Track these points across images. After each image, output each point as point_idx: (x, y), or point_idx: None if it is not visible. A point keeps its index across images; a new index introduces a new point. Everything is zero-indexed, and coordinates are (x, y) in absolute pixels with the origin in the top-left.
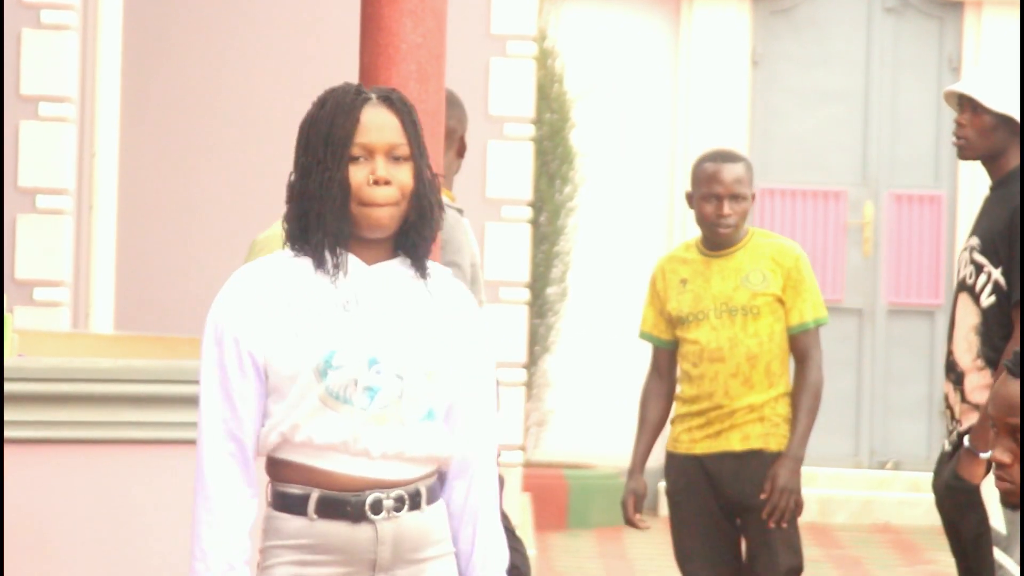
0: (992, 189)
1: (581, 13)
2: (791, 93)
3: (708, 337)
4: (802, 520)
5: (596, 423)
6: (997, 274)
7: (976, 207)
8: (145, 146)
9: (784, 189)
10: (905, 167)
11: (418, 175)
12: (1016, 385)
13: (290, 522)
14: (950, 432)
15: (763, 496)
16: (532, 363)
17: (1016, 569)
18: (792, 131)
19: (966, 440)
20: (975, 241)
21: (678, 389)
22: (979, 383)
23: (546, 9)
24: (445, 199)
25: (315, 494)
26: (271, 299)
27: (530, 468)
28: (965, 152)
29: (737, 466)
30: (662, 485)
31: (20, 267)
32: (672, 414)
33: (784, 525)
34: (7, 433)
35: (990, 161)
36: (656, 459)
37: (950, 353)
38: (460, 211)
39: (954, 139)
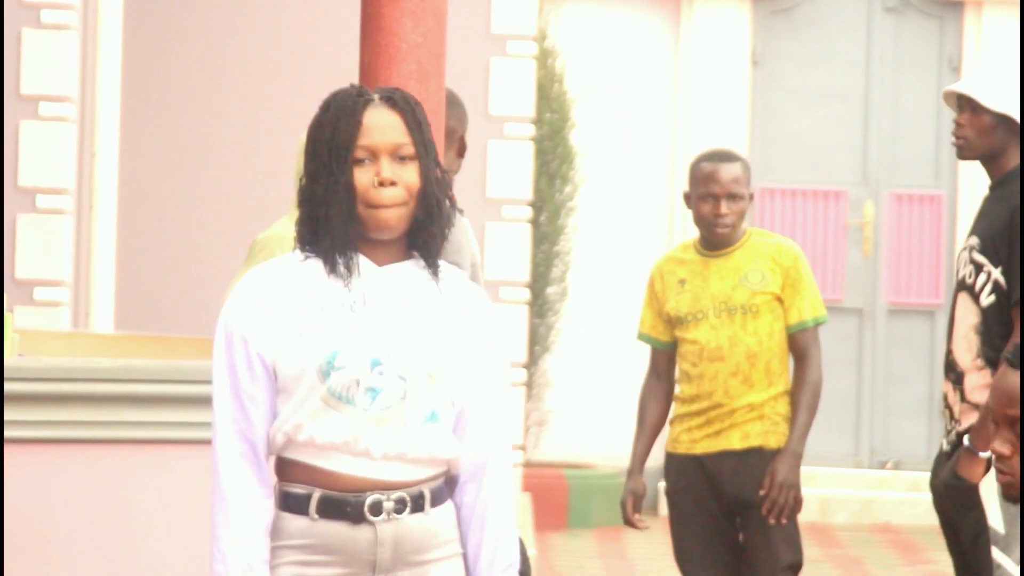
0: (991, 189)
1: (581, 13)
2: (791, 93)
3: (707, 336)
4: (802, 520)
5: (596, 423)
6: (997, 273)
7: (976, 207)
8: (145, 146)
9: (784, 189)
10: (905, 167)
11: (424, 173)
12: (1016, 377)
13: (293, 522)
14: (948, 432)
15: (762, 492)
16: (532, 363)
17: (1014, 568)
18: (792, 131)
19: (966, 439)
20: (974, 241)
21: (677, 389)
22: (979, 383)
23: (546, 9)
24: None
25: (317, 494)
26: (279, 300)
27: (530, 468)
28: (964, 152)
29: (737, 464)
30: (662, 485)
31: (20, 267)
32: (671, 414)
33: (783, 521)
34: (7, 433)
35: (989, 161)
36: (656, 459)
37: (949, 352)
38: (461, 211)
39: (953, 139)
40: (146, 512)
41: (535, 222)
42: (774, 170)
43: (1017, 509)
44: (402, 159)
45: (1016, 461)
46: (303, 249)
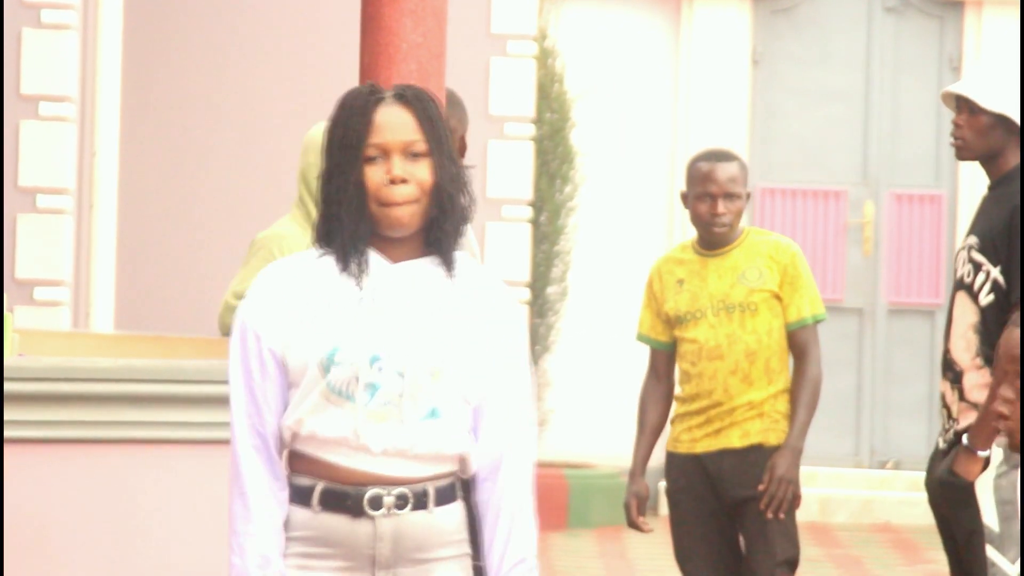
0: (990, 188)
1: (581, 12)
2: (791, 92)
3: (706, 335)
4: (802, 519)
5: (596, 423)
6: (996, 273)
7: (976, 207)
8: (145, 145)
9: (784, 189)
10: (905, 167)
11: (437, 169)
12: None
13: (297, 513)
14: (946, 430)
15: (761, 487)
16: (532, 363)
17: (1009, 567)
18: (792, 131)
19: (965, 438)
20: (973, 240)
21: (677, 389)
22: (978, 382)
23: (546, 8)
24: None
25: (319, 486)
26: (292, 296)
27: None
28: (963, 153)
29: (737, 462)
30: (662, 485)
31: (20, 267)
32: (672, 414)
33: (781, 516)
34: (7, 433)
35: (988, 161)
36: (656, 459)
37: (947, 351)
38: None
39: (952, 140)
40: (146, 512)
41: (535, 222)
42: (774, 170)
43: (1011, 507)
44: (414, 156)
45: (1017, 409)
46: (319, 246)
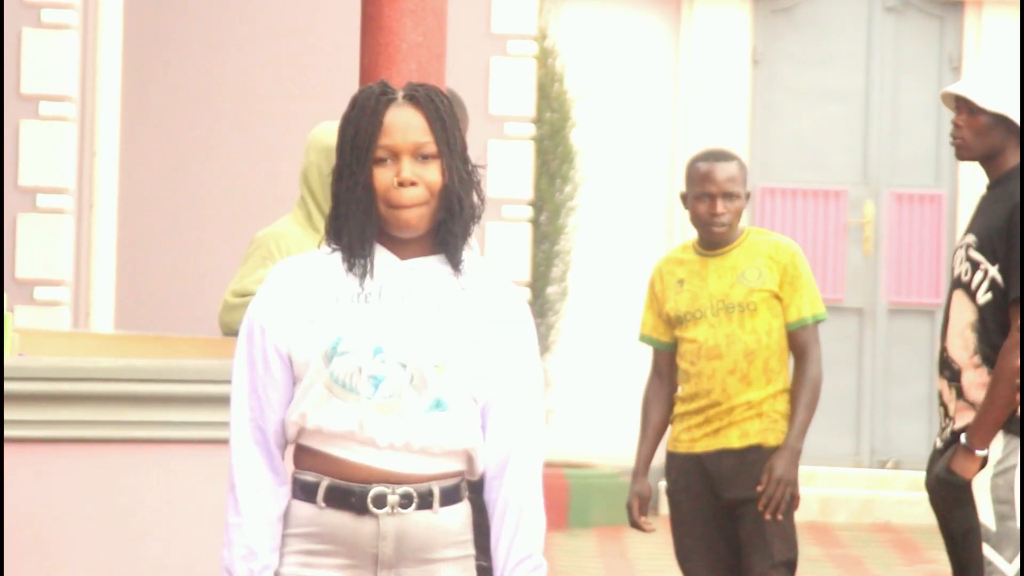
0: (989, 188)
1: (581, 12)
2: (791, 92)
3: (706, 335)
4: (802, 519)
5: (596, 422)
6: (994, 271)
7: (975, 206)
8: (145, 145)
9: (784, 188)
10: (905, 166)
11: (447, 171)
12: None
13: (302, 509)
14: (943, 429)
15: (759, 487)
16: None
17: (1006, 565)
18: (792, 130)
19: (963, 437)
20: (971, 239)
21: (678, 389)
22: (976, 380)
23: (546, 8)
24: None
25: (325, 482)
26: (299, 292)
27: None
28: (962, 153)
29: (736, 462)
30: (662, 484)
31: (21, 266)
32: (673, 414)
33: (779, 517)
34: (7, 433)
35: (988, 161)
36: (656, 458)
37: (944, 350)
38: None
39: (951, 139)
40: (146, 512)
41: (535, 222)
42: (774, 170)
43: (1008, 507)
44: (424, 158)
45: None
46: (328, 244)
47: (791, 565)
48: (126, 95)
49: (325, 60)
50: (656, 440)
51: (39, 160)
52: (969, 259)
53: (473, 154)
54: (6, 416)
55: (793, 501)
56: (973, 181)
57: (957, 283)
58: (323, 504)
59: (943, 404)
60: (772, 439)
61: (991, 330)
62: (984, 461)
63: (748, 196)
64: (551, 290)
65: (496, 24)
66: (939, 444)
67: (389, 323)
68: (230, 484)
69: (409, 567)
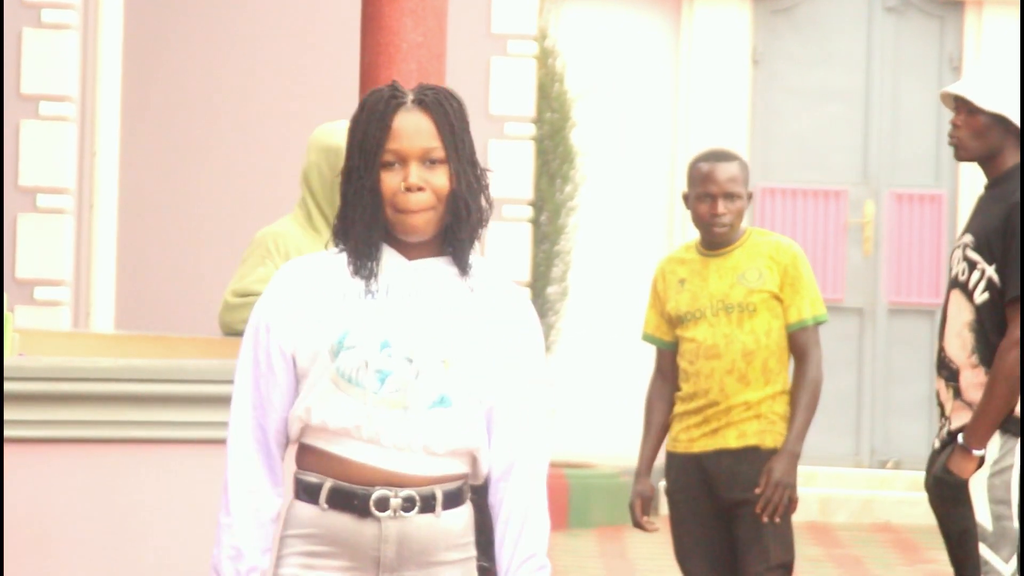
0: (987, 188)
1: (582, 12)
2: (792, 92)
3: (705, 334)
4: (802, 519)
5: (597, 422)
6: (991, 271)
7: (973, 205)
8: (146, 145)
9: (785, 188)
10: (906, 166)
11: (455, 177)
12: None
13: (304, 510)
14: (940, 429)
15: (757, 490)
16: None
17: (1003, 565)
18: (793, 130)
19: (960, 436)
20: (968, 238)
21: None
22: (974, 380)
23: (547, 8)
24: None
25: (328, 483)
26: (305, 291)
27: None
28: (960, 153)
29: (733, 463)
30: (662, 484)
31: (21, 266)
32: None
33: (777, 520)
34: (7, 433)
35: (986, 161)
36: (659, 458)
37: (941, 350)
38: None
39: (949, 140)
40: (146, 512)
41: (535, 222)
42: (774, 170)
43: (1004, 507)
44: (432, 163)
45: None
46: (335, 244)
47: (787, 567)
48: (126, 95)
49: (325, 60)
50: (659, 440)
51: (39, 160)
52: (966, 259)
53: None
54: (6, 416)
55: (791, 504)
56: (973, 181)
57: (954, 283)
58: (326, 506)
59: (940, 404)
60: (770, 440)
61: (988, 330)
62: (981, 461)
63: (750, 197)
64: (551, 290)
65: (496, 24)
66: (937, 444)
67: (396, 318)
68: (224, 483)
69: (411, 570)
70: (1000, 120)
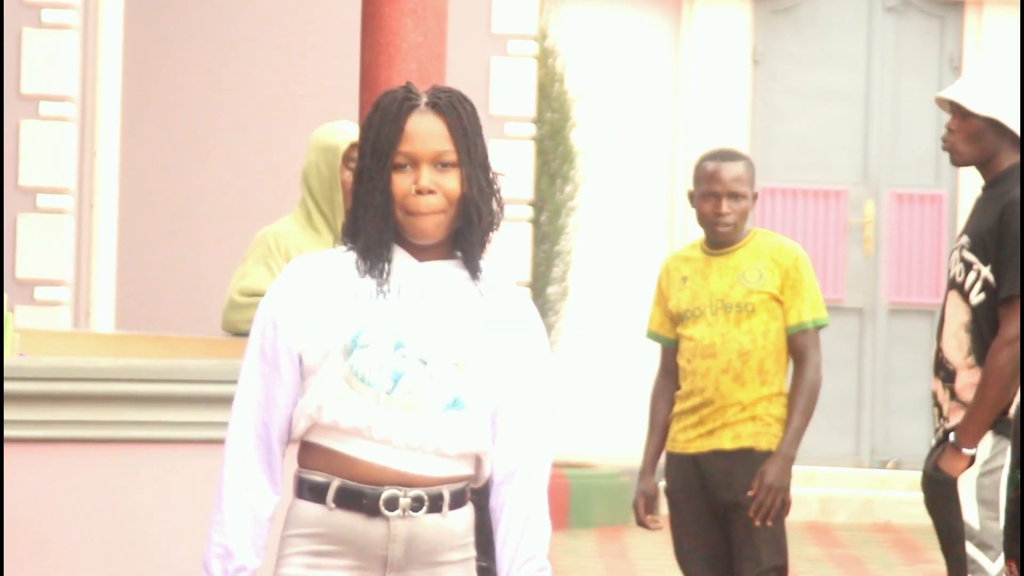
0: (984, 189)
1: (582, 12)
2: (792, 92)
3: (702, 333)
4: (802, 519)
5: (597, 422)
6: (986, 272)
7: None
8: (146, 145)
9: (785, 188)
10: (906, 166)
11: (467, 180)
12: None
13: (309, 510)
14: (937, 429)
15: (750, 493)
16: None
17: (989, 564)
18: (793, 130)
19: (951, 435)
20: (965, 240)
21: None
22: (970, 381)
23: (547, 8)
24: None
25: (335, 483)
26: (315, 288)
27: None
28: (955, 158)
29: (727, 464)
30: (662, 484)
31: (21, 266)
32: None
33: (769, 523)
34: (7, 433)
35: (983, 165)
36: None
37: (939, 350)
38: None
39: (942, 145)
40: (146, 512)
41: (536, 222)
42: (774, 170)
43: (992, 508)
44: (444, 166)
45: None
46: (344, 243)
47: (780, 570)
48: (126, 95)
49: (325, 60)
50: (663, 438)
51: (39, 160)
52: (963, 260)
53: None
54: (6, 416)
55: (784, 507)
56: (973, 181)
57: (952, 284)
58: (333, 505)
59: (938, 404)
60: (764, 443)
61: (984, 331)
62: (972, 460)
63: (756, 197)
64: (551, 290)
65: (496, 24)
66: (934, 444)
67: (410, 319)
68: (220, 479)
69: (417, 569)
70: (993, 124)
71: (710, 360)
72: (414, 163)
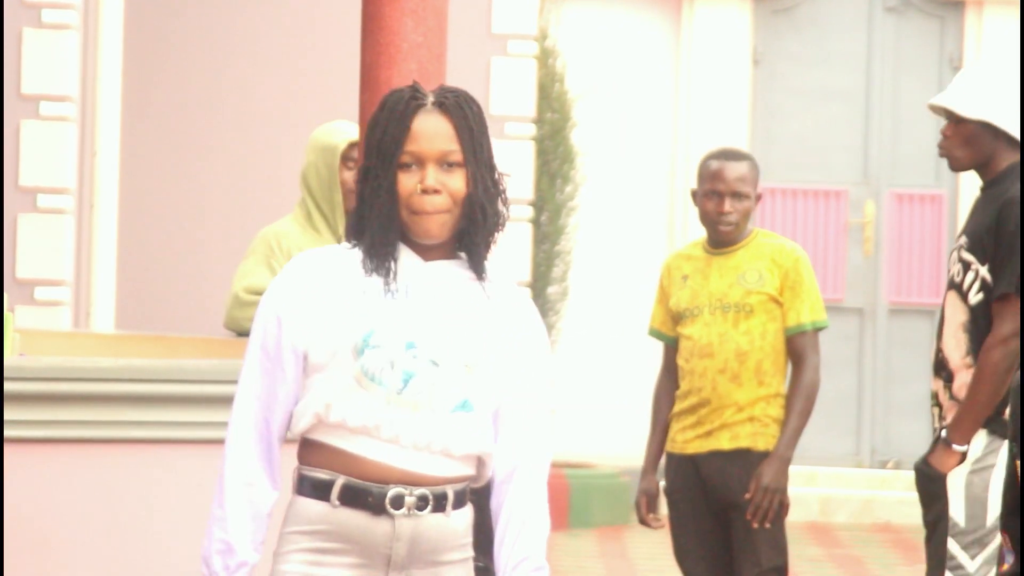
0: (983, 189)
1: (582, 12)
2: (792, 92)
3: (701, 333)
4: (802, 519)
5: (597, 422)
6: (984, 271)
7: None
8: (146, 145)
9: (785, 188)
10: (906, 166)
11: (472, 180)
12: None
13: (312, 507)
14: (936, 430)
15: (747, 495)
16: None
17: (969, 562)
18: (793, 130)
19: (943, 431)
20: (963, 240)
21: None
22: (966, 381)
23: (547, 8)
24: None
25: (340, 480)
26: (320, 284)
27: None
28: (952, 164)
29: (725, 465)
30: (662, 484)
31: (21, 266)
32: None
33: (767, 525)
34: (7, 433)
35: (981, 168)
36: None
37: (939, 351)
38: None
39: (939, 151)
40: (146, 512)
41: (536, 222)
42: (775, 169)
43: (979, 506)
44: (449, 166)
45: None
46: (349, 240)
47: (780, 571)
48: (126, 95)
49: (325, 60)
50: (665, 437)
51: (39, 160)
52: (961, 260)
53: None
54: (6, 416)
55: (782, 508)
56: (973, 181)
57: (951, 284)
58: (337, 502)
59: (938, 404)
60: (762, 443)
61: (983, 330)
62: (962, 457)
63: (759, 197)
64: (552, 290)
65: (497, 24)
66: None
67: (421, 320)
68: (220, 474)
69: (418, 568)
70: (987, 126)
71: (707, 360)
72: (420, 163)
